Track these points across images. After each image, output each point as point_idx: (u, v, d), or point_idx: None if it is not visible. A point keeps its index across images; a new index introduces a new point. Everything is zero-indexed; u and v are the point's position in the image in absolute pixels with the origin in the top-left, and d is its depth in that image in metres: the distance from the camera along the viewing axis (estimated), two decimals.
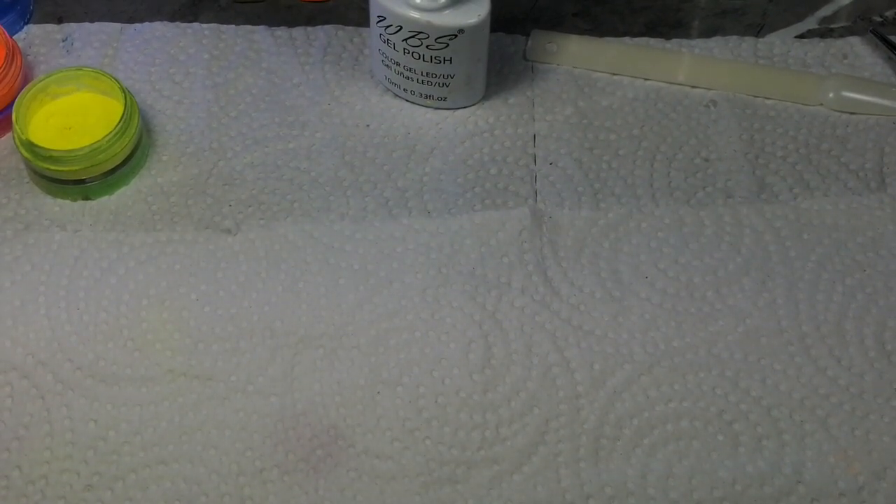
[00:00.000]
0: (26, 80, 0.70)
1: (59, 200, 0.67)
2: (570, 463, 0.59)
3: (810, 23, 0.75)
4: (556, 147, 0.70)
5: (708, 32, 0.75)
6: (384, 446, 0.60)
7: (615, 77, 0.73)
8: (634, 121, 0.71)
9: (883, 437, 0.60)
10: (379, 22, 0.66)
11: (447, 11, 0.64)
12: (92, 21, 0.75)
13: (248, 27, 0.75)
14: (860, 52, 0.73)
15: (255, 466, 0.59)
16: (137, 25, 0.74)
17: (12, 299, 0.64)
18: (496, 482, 0.59)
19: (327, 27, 0.75)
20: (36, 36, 0.74)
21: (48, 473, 0.59)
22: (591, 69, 0.73)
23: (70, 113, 0.67)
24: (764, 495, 0.58)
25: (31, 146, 0.65)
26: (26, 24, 0.75)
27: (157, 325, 0.63)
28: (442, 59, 0.67)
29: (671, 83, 0.72)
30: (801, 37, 0.74)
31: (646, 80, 0.72)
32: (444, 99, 0.70)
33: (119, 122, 0.65)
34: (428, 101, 0.70)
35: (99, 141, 0.65)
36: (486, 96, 0.71)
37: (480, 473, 0.59)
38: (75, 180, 0.66)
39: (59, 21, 0.75)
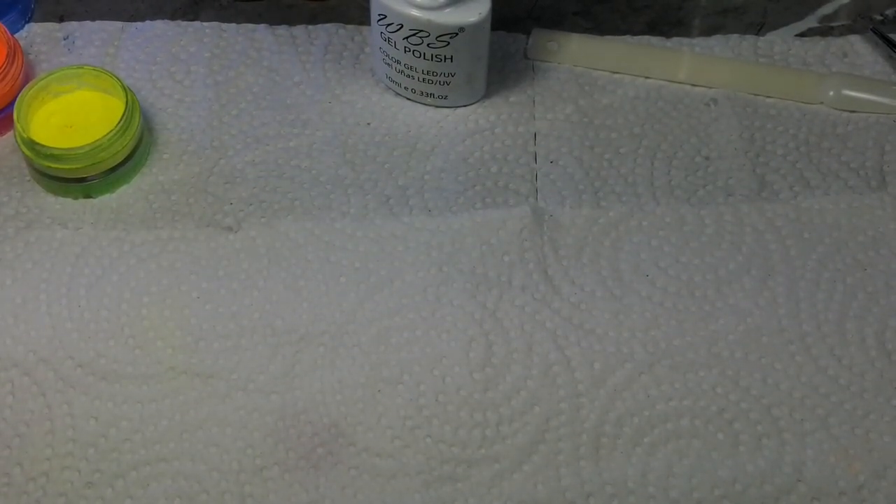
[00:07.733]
0: (27, 78, 0.70)
1: (61, 198, 0.67)
2: (571, 461, 0.59)
3: (811, 21, 0.75)
4: (556, 145, 0.70)
5: (708, 31, 0.75)
6: (385, 444, 0.60)
7: (616, 75, 0.73)
8: (635, 119, 0.71)
9: (883, 437, 0.60)
10: (380, 20, 0.66)
11: (448, 10, 0.64)
12: (93, 19, 0.75)
13: (250, 26, 0.75)
14: (860, 50, 0.73)
15: (255, 464, 0.59)
16: (139, 24, 0.75)
17: (13, 297, 0.64)
18: (497, 480, 0.59)
19: (328, 26, 0.75)
20: (37, 34, 0.74)
21: (49, 471, 0.59)
22: (592, 68, 0.73)
23: (71, 111, 0.67)
24: (764, 494, 0.58)
25: (32, 144, 0.65)
26: (27, 22, 0.75)
27: (158, 322, 0.63)
28: (443, 58, 0.67)
29: (672, 82, 0.72)
30: (801, 35, 0.74)
31: (646, 78, 0.72)
32: (445, 97, 0.70)
33: (120, 120, 0.65)
34: (429, 100, 0.70)
35: (100, 139, 0.65)
36: (487, 95, 0.71)
37: (481, 472, 0.59)
38: (77, 178, 0.66)
39: (61, 19, 0.75)
